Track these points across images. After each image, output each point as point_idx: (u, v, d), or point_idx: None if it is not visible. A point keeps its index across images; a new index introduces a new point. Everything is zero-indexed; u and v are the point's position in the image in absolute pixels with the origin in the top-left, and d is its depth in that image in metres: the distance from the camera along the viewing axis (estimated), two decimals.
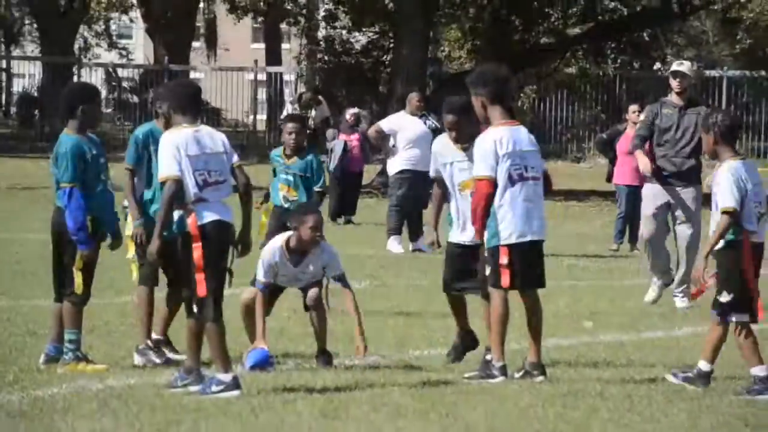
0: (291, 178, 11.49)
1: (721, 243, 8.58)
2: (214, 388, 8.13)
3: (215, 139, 8.43)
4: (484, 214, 8.79)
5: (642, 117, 13.50)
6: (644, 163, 12.96)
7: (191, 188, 8.24)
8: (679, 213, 12.93)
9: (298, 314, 10.57)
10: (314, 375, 8.89)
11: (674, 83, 13.07)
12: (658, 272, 13.14)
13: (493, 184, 8.75)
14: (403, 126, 18.55)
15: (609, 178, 19.81)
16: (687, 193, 12.92)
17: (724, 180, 8.55)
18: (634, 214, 19.48)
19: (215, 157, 8.35)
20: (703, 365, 8.65)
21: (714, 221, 8.60)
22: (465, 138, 9.20)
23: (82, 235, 8.87)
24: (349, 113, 23.23)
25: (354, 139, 23.10)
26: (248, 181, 8.49)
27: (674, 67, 13.25)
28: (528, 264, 8.80)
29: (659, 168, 12.96)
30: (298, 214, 9.27)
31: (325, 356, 9.29)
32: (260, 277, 9.24)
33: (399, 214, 18.36)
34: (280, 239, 9.28)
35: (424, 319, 11.74)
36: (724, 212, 8.52)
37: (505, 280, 8.76)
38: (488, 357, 8.87)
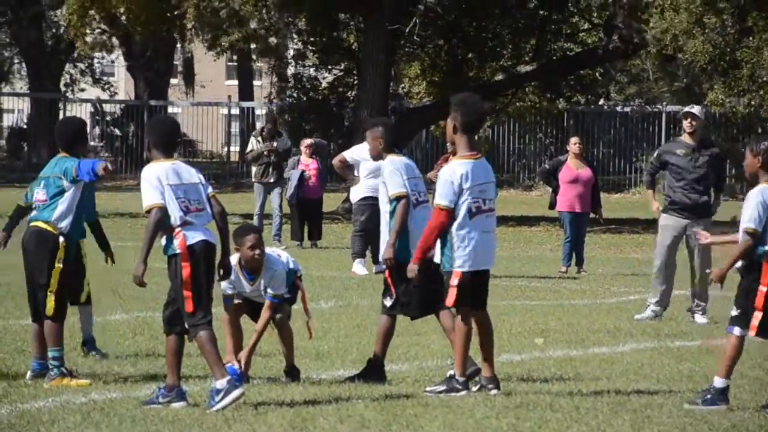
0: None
1: (743, 261, 8.52)
2: (217, 399, 8.04)
3: (191, 171, 8.48)
4: (434, 240, 8.75)
5: (653, 155, 13.74)
6: (654, 208, 13.42)
7: (177, 213, 8.26)
8: (693, 242, 13.10)
9: (269, 332, 10.53)
10: (284, 389, 8.85)
11: (686, 124, 13.32)
12: (658, 299, 13.33)
13: (452, 215, 8.72)
14: (366, 157, 18.45)
15: (552, 206, 19.91)
16: (701, 224, 13.07)
17: (752, 201, 8.53)
18: (578, 238, 19.57)
19: (193, 187, 8.39)
20: (718, 381, 8.52)
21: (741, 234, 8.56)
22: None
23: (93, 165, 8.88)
24: (306, 143, 23.21)
25: (312, 168, 23.06)
26: (223, 209, 8.51)
27: (686, 109, 13.49)
28: (477, 288, 8.77)
29: (675, 201, 13.22)
30: (238, 235, 9.10)
31: (293, 372, 9.25)
32: (224, 290, 9.17)
33: (362, 238, 18.35)
34: (235, 257, 9.12)
35: None
36: (745, 232, 8.50)
37: (451, 299, 8.73)
38: (451, 372, 8.85)
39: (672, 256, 13.27)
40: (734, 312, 8.56)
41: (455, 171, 8.76)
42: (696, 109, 13.38)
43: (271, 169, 22.08)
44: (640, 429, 7.85)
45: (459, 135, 8.83)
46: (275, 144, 22.30)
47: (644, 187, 13.90)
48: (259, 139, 22.48)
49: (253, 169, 22.54)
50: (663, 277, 13.29)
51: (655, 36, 26.01)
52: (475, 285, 8.76)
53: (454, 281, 8.70)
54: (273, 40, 33.38)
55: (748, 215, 8.52)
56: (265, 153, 22.04)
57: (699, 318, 13.24)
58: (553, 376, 9.62)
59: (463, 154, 8.84)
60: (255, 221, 22.12)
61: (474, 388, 8.78)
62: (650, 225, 30.46)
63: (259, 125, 41.42)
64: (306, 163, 23.14)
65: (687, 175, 13.13)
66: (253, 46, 32.49)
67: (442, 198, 8.75)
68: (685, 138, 13.34)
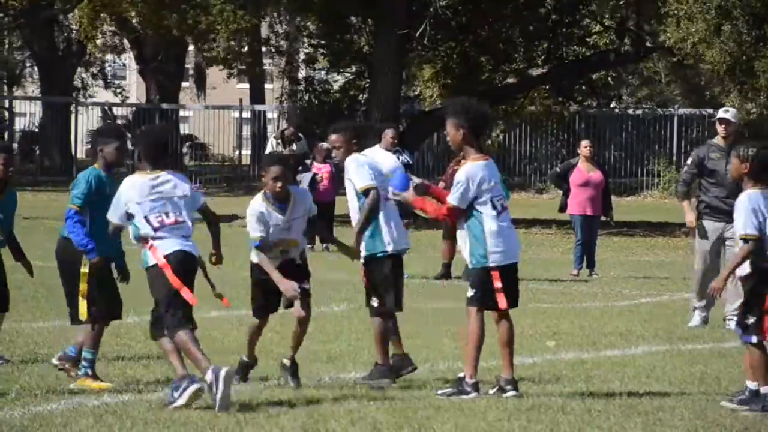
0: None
1: (747, 269, 8.51)
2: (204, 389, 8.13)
3: (178, 185, 8.54)
4: (439, 218, 9.01)
5: (689, 161, 13.64)
6: (690, 219, 13.31)
7: (145, 230, 8.43)
8: (730, 245, 13.03)
9: (281, 335, 10.58)
10: (297, 392, 8.87)
11: (720, 128, 13.32)
12: (702, 304, 13.24)
13: (460, 213, 8.84)
14: (378, 160, 18.55)
15: (562, 209, 19.92)
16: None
17: (744, 208, 8.50)
18: (589, 241, 19.57)
19: (172, 202, 8.47)
20: (751, 384, 8.50)
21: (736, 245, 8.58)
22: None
23: (89, 244, 8.93)
24: (321, 147, 23.23)
25: (325, 171, 23.06)
26: (215, 215, 8.76)
27: (720, 114, 13.44)
28: (513, 284, 8.93)
29: (711, 206, 13.18)
30: (265, 163, 9.19)
31: (294, 367, 9.20)
32: (254, 233, 9.08)
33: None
34: (258, 195, 9.14)
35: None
36: (743, 239, 8.47)
37: (503, 302, 8.80)
38: (461, 374, 8.86)
39: (714, 260, 13.16)
40: (750, 320, 8.54)
41: (475, 173, 8.84)
42: (730, 114, 13.35)
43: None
44: (651, 431, 7.85)
45: (468, 140, 8.89)
46: (294, 147, 22.29)
47: (678, 197, 13.63)
48: (279, 141, 22.46)
49: None
50: (706, 282, 13.18)
51: (674, 44, 25.99)
52: (513, 281, 8.90)
53: (497, 284, 8.78)
54: (283, 43, 33.43)
55: (743, 222, 8.48)
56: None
57: (733, 324, 13.12)
58: (565, 378, 9.62)
59: (475, 156, 8.91)
60: None
61: (492, 391, 8.79)
62: (661, 228, 30.47)
63: (270, 128, 41.52)
64: (318, 167, 23.16)
65: (721, 179, 13.08)
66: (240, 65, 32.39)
67: (454, 199, 8.83)
68: (719, 141, 13.31)
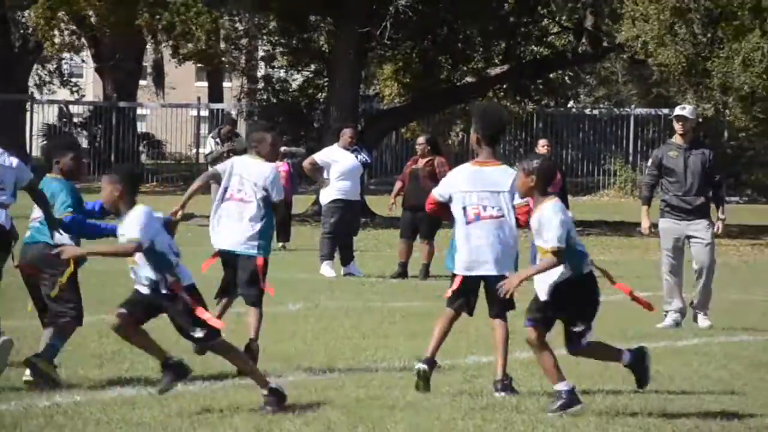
0: None
1: (567, 275, 8.37)
2: None
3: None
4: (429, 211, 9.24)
5: (649, 162, 13.57)
6: (645, 226, 13.22)
7: None
8: (694, 243, 13.01)
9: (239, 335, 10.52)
10: (250, 392, 8.84)
11: (677, 126, 13.18)
12: (671, 305, 13.17)
13: (444, 206, 9.10)
14: (336, 159, 18.57)
15: None
16: (699, 224, 13.02)
17: (556, 220, 8.32)
18: None
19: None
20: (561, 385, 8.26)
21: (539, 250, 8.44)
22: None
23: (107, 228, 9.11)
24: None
25: (282, 170, 23.02)
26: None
27: (677, 111, 13.31)
28: (483, 293, 9.23)
29: (671, 205, 13.10)
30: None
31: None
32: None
33: (331, 240, 18.35)
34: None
35: (353, 339, 11.72)
36: (553, 252, 8.29)
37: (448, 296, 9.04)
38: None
39: (678, 258, 13.09)
40: (579, 328, 8.37)
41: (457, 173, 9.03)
42: (687, 111, 13.21)
43: None
44: (605, 430, 7.89)
45: (483, 146, 8.99)
46: (234, 144, 22.24)
47: (641, 200, 13.49)
48: (218, 140, 22.40)
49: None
50: (671, 281, 13.19)
51: (626, 41, 26.13)
52: (471, 289, 8.99)
53: (455, 284, 8.94)
54: (242, 42, 33.37)
55: (556, 236, 8.20)
56: (225, 154, 21.98)
57: (701, 321, 13.17)
58: (519, 378, 9.64)
59: (483, 160, 9.01)
60: None
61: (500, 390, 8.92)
62: (618, 228, 30.59)
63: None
64: (276, 165, 23.11)
65: (679, 176, 13.01)
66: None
67: (437, 193, 9.04)
68: (677, 140, 13.18)
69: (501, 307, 8.98)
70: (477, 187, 8.96)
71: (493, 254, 8.97)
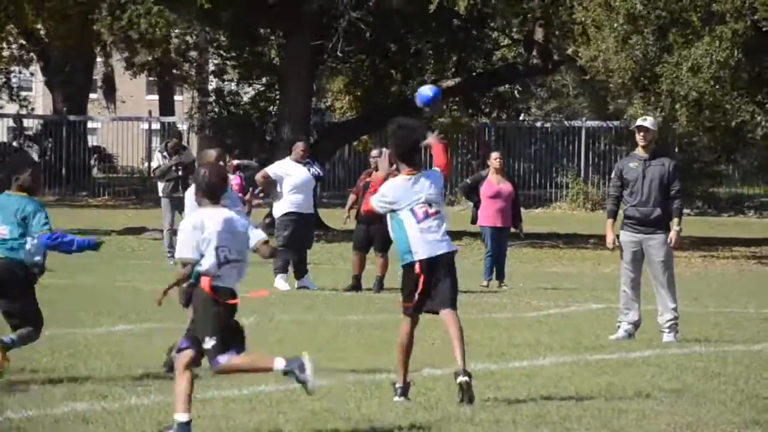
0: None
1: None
2: None
3: None
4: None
5: (612, 175, 13.48)
6: (609, 240, 13.16)
7: None
8: (653, 257, 12.97)
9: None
10: (205, 406, 8.82)
11: (639, 137, 13.07)
12: (627, 316, 13.12)
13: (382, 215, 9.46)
14: (289, 172, 18.57)
15: (473, 221, 20.05)
16: (655, 239, 12.95)
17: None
18: (499, 252, 19.71)
19: None
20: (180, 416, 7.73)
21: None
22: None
23: (84, 242, 9.54)
24: (230, 162, 23.28)
25: (234, 183, 22.98)
26: None
27: (638, 122, 13.18)
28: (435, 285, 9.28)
29: (629, 216, 13.05)
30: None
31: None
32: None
33: (285, 254, 18.33)
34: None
35: (308, 351, 11.69)
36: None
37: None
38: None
39: (636, 271, 13.01)
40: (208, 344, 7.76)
41: (397, 183, 9.34)
42: (648, 122, 13.08)
43: (180, 184, 21.83)
44: None
45: (399, 162, 9.38)
46: (181, 157, 22.20)
47: (607, 214, 13.45)
48: (165, 154, 22.35)
49: (161, 185, 22.28)
50: (629, 294, 13.08)
51: (585, 63, 26.20)
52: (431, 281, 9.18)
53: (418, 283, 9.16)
54: (192, 55, 33.31)
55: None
56: (173, 167, 21.92)
57: (666, 337, 13.05)
58: (474, 389, 9.66)
59: (403, 171, 9.38)
60: (165, 237, 21.95)
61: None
62: (570, 240, 30.75)
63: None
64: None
65: (637, 188, 12.94)
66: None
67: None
68: (639, 151, 13.08)
69: (452, 297, 9.12)
70: (418, 196, 9.27)
71: (445, 237, 9.31)
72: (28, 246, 9.50)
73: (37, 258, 9.51)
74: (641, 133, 13.06)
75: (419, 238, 9.21)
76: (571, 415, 8.68)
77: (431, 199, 9.28)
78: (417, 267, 9.19)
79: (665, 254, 12.98)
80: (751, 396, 9.53)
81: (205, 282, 7.90)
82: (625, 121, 28.30)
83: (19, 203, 9.55)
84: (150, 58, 30.58)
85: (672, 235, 12.98)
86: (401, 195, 9.27)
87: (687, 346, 12.64)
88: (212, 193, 8.12)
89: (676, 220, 13.01)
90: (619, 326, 13.23)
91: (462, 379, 9.00)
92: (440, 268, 9.22)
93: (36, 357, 10.92)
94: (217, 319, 7.84)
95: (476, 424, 8.32)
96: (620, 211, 13.35)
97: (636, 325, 13.17)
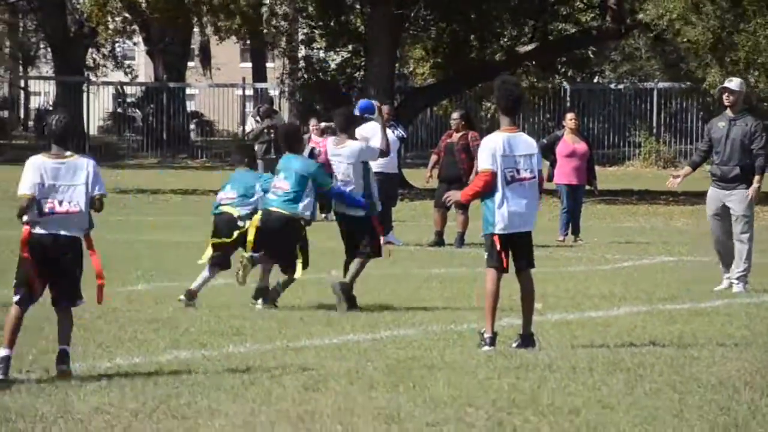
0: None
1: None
2: None
3: (77, 173, 8.06)
4: (478, 194, 9.17)
5: (705, 132, 13.48)
6: (671, 182, 13.35)
7: (35, 212, 8.00)
8: (732, 212, 12.89)
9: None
10: (298, 354, 8.89)
11: (724, 98, 13.02)
12: (726, 266, 13.03)
13: (494, 176, 9.06)
14: (370, 134, 18.55)
15: (550, 179, 19.92)
16: (735, 195, 12.86)
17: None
18: (575, 208, 19.58)
19: (67, 188, 8.00)
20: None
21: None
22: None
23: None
24: (313, 123, 23.26)
25: (323, 145, 23.02)
26: (101, 208, 8.13)
27: (725, 84, 13.17)
28: (517, 250, 9.13)
29: (713, 173, 13.04)
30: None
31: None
32: None
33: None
34: None
35: (393, 304, 11.75)
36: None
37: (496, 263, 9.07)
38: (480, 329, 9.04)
39: (724, 225, 12.89)
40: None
41: (493, 140, 9.13)
42: (733, 83, 12.98)
43: (273, 146, 21.92)
44: (633, 387, 7.87)
45: (500, 115, 9.25)
46: (273, 121, 22.27)
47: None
48: (257, 118, 22.42)
49: (256, 146, 22.45)
50: (720, 247, 12.99)
51: (651, 21, 25.81)
52: (514, 247, 9.08)
53: (497, 245, 9.02)
54: (282, 23, 33.39)
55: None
56: (265, 130, 22.01)
57: (736, 287, 12.90)
58: (552, 338, 9.64)
59: (502, 128, 9.17)
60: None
61: (514, 344, 9.09)
62: (643, 196, 30.46)
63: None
64: (316, 141, 23.12)
65: (720, 147, 12.87)
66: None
67: (483, 163, 9.11)
68: (727, 112, 13.01)
69: (527, 261, 9.04)
70: (512, 152, 9.11)
71: (529, 213, 9.11)
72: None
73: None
74: (726, 94, 12.97)
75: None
76: (644, 362, 8.62)
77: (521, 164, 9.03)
78: (497, 243, 8.99)
79: (744, 209, 12.86)
80: None
81: None
82: (702, 86, 27.69)
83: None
84: (234, 24, 30.70)
85: (751, 190, 12.84)
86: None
87: (756, 296, 12.49)
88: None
89: (757, 177, 12.89)
90: (725, 278, 13.09)
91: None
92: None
93: (142, 309, 11.08)
94: None
95: (554, 370, 8.30)
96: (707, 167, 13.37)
97: (738, 274, 12.92)
